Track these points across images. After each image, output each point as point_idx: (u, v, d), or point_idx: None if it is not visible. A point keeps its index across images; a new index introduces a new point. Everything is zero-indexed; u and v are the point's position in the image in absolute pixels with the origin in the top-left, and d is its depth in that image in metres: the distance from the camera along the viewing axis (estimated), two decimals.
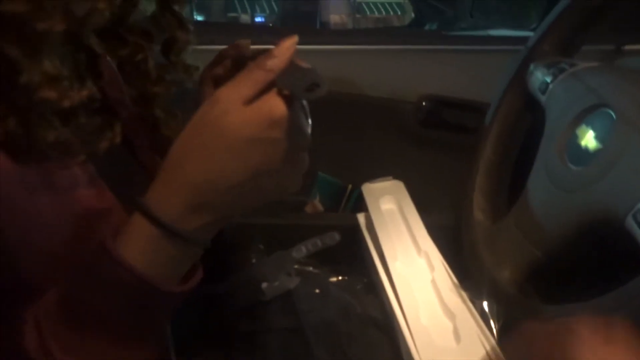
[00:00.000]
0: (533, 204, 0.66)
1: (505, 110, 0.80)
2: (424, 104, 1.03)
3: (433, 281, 0.69)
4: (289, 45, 0.46)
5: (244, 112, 0.42)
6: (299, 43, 1.13)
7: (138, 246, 0.43)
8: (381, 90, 1.02)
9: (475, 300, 0.64)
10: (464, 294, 0.65)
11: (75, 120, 0.44)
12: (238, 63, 0.57)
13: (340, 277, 0.77)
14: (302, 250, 0.67)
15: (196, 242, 0.45)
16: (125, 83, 0.59)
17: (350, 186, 1.02)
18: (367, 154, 1.00)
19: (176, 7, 0.58)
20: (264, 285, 0.65)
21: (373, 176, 0.92)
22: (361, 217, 0.84)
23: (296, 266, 0.70)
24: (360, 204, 0.91)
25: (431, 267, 0.71)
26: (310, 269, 0.68)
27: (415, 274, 0.70)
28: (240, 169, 0.43)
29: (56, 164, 0.44)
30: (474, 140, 1.03)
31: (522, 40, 1.10)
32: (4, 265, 0.42)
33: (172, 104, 0.64)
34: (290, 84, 0.44)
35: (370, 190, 0.85)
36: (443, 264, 0.71)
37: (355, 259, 0.83)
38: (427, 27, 3.47)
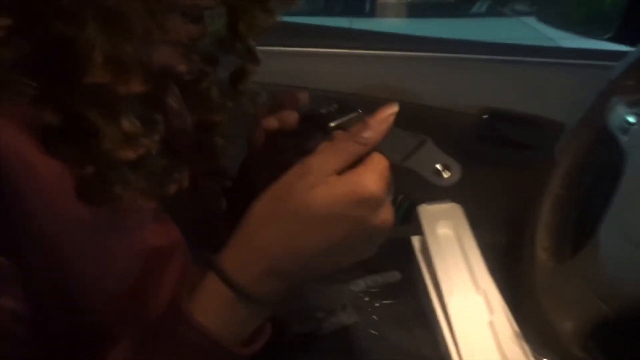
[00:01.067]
0: (604, 255, 0.63)
1: (578, 143, 0.76)
2: (484, 117, 0.99)
3: (491, 324, 0.67)
4: (387, 116, 0.44)
5: (333, 187, 0.41)
6: (352, 47, 1.10)
7: (212, 308, 0.43)
8: (438, 101, 0.98)
9: (537, 354, 0.63)
10: (525, 346, 0.63)
11: (146, 166, 0.44)
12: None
13: (390, 301, 0.77)
14: (360, 285, 0.66)
15: (269, 305, 0.45)
16: (187, 109, 0.58)
17: (400, 196, 1.00)
18: None
19: (241, 27, 0.56)
20: (320, 314, 0.64)
21: (424, 187, 0.90)
22: (416, 241, 0.82)
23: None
24: (410, 215, 0.89)
25: (490, 308, 0.69)
26: (367, 299, 0.68)
27: (473, 314, 0.69)
28: (322, 243, 0.42)
29: (127, 208, 0.43)
30: (534, 158, 1.00)
31: (593, 54, 1.05)
32: (74, 308, 0.42)
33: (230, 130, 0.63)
34: (387, 150, 0.42)
35: (427, 212, 0.83)
36: (503, 306, 0.69)
37: (403, 272, 0.82)
38: (478, 4, 3.35)
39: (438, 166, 0.44)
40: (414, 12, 3.01)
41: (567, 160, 0.76)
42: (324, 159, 0.42)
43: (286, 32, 1.04)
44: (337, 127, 0.49)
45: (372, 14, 2.46)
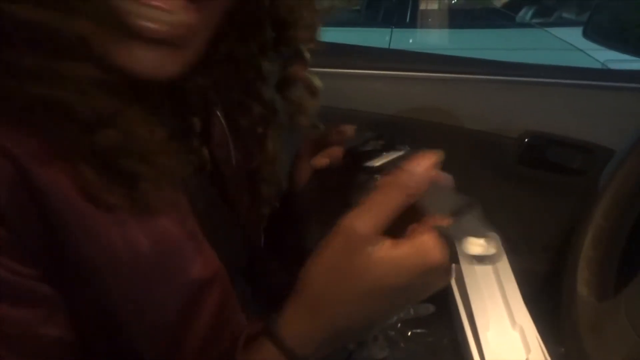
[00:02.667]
0: None
1: (626, 171, 0.73)
2: (526, 140, 0.96)
3: None
4: (430, 162, 0.42)
5: (397, 261, 0.40)
6: (393, 68, 1.08)
7: None
8: (479, 123, 0.96)
9: None
10: None
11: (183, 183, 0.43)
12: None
13: (422, 330, 0.75)
14: (392, 317, 0.66)
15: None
16: (233, 140, 0.58)
17: None
18: (460, 188, 0.96)
19: (291, 32, 0.54)
20: (351, 346, 0.64)
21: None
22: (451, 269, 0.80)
23: None
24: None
25: (526, 346, 0.67)
26: (399, 329, 0.67)
27: (509, 351, 0.67)
28: (384, 310, 0.43)
29: (168, 235, 0.43)
30: (578, 185, 0.96)
31: None
32: (119, 342, 0.43)
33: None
34: (435, 209, 0.41)
35: (463, 240, 0.82)
36: (540, 344, 0.67)
37: (437, 299, 0.81)
38: (523, 11, 3.27)
39: (480, 242, 0.43)
40: (456, 21, 2.96)
41: (613, 189, 0.73)
42: (370, 218, 0.40)
43: (324, 53, 1.04)
44: (383, 167, 0.49)
45: (412, 24, 2.43)
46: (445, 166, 0.91)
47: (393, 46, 2.23)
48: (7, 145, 0.34)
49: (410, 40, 2.39)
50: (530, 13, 3.04)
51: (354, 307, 0.41)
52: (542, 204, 0.98)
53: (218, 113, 0.56)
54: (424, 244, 0.40)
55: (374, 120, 0.96)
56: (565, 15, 2.90)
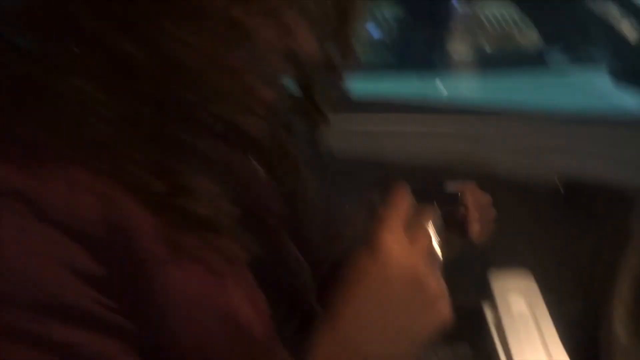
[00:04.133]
0: None
1: None
2: (558, 183, 0.98)
3: None
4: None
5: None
6: (423, 118, 1.10)
7: None
8: (515, 168, 0.99)
9: None
10: None
11: (230, 230, 0.45)
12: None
13: None
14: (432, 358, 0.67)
15: None
16: (273, 180, 0.61)
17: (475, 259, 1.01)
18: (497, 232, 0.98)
19: (317, 96, 0.57)
20: None
21: (501, 255, 0.90)
22: (488, 310, 0.82)
23: None
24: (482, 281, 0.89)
25: None
26: None
27: None
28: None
29: (218, 272, 0.45)
30: (615, 228, 0.97)
31: None
32: None
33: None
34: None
35: (499, 281, 0.84)
36: None
37: (475, 339, 0.82)
38: (554, 53, 3.29)
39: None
40: (488, 64, 2.99)
41: None
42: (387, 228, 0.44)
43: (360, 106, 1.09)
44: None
45: (444, 67, 2.47)
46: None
47: (422, 91, 2.29)
48: (106, 190, 0.39)
49: (439, 85, 2.44)
50: (562, 56, 3.05)
51: (382, 339, 0.43)
52: (576, 245, 0.99)
53: (257, 166, 0.60)
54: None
55: (406, 168, 1.00)
56: (599, 57, 2.89)
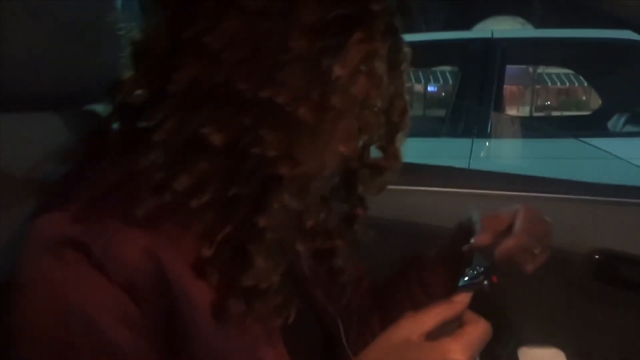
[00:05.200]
0: None
1: None
2: (596, 257, 0.98)
3: None
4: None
5: (423, 352, 0.47)
6: (461, 186, 1.14)
7: None
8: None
9: None
10: None
11: (266, 298, 0.48)
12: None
13: None
14: None
15: None
16: (305, 239, 0.62)
17: (508, 333, 1.00)
18: (529, 305, 0.98)
19: (359, 187, 0.62)
20: None
21: (534, 331, 0.90)
22: None
23: None
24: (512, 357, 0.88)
25: None
26: None
27: None
28: None
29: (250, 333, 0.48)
30: None
31: None
32: None
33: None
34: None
35: (529, 358, 0.84)
36: None
37: None
38: (615, 118, 3.22)
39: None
40: (540, 130, 2.96)
41: None
42: (417, 320, 0.49)
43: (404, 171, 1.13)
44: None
45: (494, 133, 2.48)
46: (517, 282, 0.95)
47: (473, 156, 2.31)
48: (157, 250, 0.43)
49: (492, 151, 2.44)
50: (622, 121, 2.98)
51: None
52: (614, 321, 0.97)
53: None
54: (448, 344, 0.47)
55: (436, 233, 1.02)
56: None
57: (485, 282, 0.56)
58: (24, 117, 0.53)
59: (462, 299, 0.52)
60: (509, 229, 0.62)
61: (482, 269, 0.58)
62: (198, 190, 0.45)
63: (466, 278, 0.58)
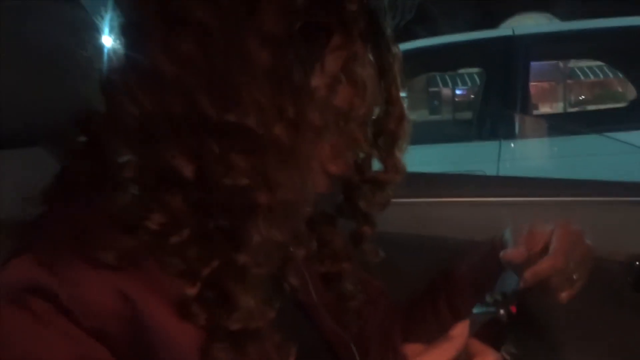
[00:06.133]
0: None
1: None
2: (637, 263, 0.90)
3: None
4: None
5: None
6: (482, 194, 1.08)
7: None
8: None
9: None
10: None
11: (260, 338, 0.45)
12: None
13: None
14: None
15: None
16: (315, 263, 0.61)
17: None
18: (563, 321, 0.91)
19: (361, 204, 0.59)
20: None
21: (570, 349, 0.84)
22: None
23: None
24: None
25: None
26: None
27: None
28: None
29: None
30: None
31: None
32: None
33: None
34: None
35: None
36: None
37: None
38: None
39: None
40: (576, 124, 2.83)
41: None
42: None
43: (420, 182, 1.09)
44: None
45: (521, 134, 2.38)
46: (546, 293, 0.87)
47: (502, 159, 2.23)
48: (130, 292, 0.41)
49: (520, 152, 2.35)
50: None
51: None
52: None
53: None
54: None
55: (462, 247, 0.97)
56: None
57: (502, 312, 0.51)
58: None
59: (460, 332, 0.46)
60: (544, 250, 0.57)
61: (502, 296, 0.53)
62: (175, 226, 0.42)
63: (483, 304, 0.52)
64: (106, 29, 0.50)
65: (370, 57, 0.49)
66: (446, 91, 7.10)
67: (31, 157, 0.54)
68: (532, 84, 3.16)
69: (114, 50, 0.45)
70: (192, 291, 0.42)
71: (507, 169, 2.21)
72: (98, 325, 0.40)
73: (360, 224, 0.61)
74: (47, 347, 0.39)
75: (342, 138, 0.48)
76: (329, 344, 0.61)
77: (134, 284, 0.41)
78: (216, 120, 0.40)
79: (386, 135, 0.56)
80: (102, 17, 0.48)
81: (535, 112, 3.47)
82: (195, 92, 0.40)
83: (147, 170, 0.42)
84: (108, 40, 0.47)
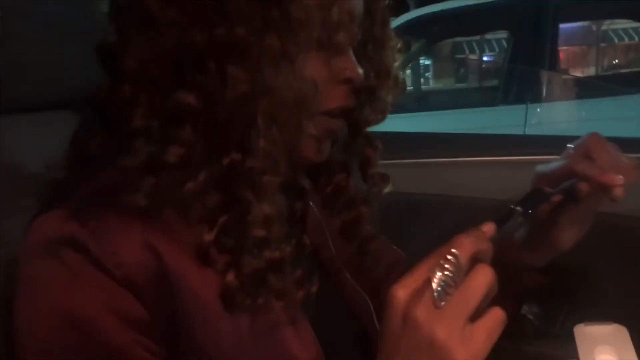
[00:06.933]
0: None
1: None
2: None
3: None
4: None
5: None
6: (490, 154, 1.04)
7: None
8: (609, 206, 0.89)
9: None
10: None
11: (282, 272, 0.46)
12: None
13: None
14: None
15: None
16: (331, 214, 0.62)
17: (566, 308, 0.93)
18: (587, 278, 0.90)
19: (360, 119, 0.59)
20: None
21: (593, 306, 0.83)
22: None
23: None
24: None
25: None
26: None
27: None
28: None
29: (271, 317, 0.46)
30: None
31: None
32: None
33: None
34: None
35: (585, 335, 0.77)
36: None
37: None
38: None
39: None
40: (603, 89, 2.73)
41: None
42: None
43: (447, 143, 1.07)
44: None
45: (550, 97, 2.30)
46: (572, 254, 0.87)
47: (529, 123, 2.18)
48: (155, 243, 0.42)
49: (547, 115, 2.28)
50: None
51: None
52: None
53: (310, 203, 0.60)
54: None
55: (488, 206, 0.96)
56: None
57: (530, 211, 0.53)
58: (25, 118, 0.52)
59: (488, 229, 0.46)
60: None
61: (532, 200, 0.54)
62: (190, 160, 0.43)
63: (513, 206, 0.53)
64: None
65: None
66: (473, 57, 6.94)
67: (50, 120, 0.56)
68: (562, 48, 3.06)
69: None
70: (209, 237, 0.43)
71: (534, 132, 2.16)
72: (127, 275, 0.41)
73: (362, 147, 0.61)
74: (79, 297, 0.41)
75: (330, 50, 0.48)
76: (347, 301, 0.62)
77: (158, 236, 0.43)
78: (207, 38, 0.42)
79: (373, 42, 0.55)
80: None
81: (564, 77, 3.38)
82: (184, 23, 0.42)
83: (155, 114, 0.44)
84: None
